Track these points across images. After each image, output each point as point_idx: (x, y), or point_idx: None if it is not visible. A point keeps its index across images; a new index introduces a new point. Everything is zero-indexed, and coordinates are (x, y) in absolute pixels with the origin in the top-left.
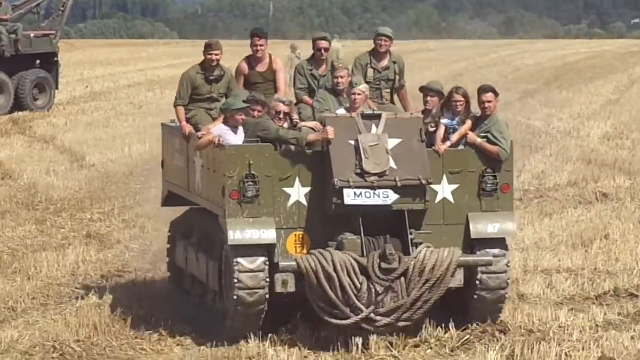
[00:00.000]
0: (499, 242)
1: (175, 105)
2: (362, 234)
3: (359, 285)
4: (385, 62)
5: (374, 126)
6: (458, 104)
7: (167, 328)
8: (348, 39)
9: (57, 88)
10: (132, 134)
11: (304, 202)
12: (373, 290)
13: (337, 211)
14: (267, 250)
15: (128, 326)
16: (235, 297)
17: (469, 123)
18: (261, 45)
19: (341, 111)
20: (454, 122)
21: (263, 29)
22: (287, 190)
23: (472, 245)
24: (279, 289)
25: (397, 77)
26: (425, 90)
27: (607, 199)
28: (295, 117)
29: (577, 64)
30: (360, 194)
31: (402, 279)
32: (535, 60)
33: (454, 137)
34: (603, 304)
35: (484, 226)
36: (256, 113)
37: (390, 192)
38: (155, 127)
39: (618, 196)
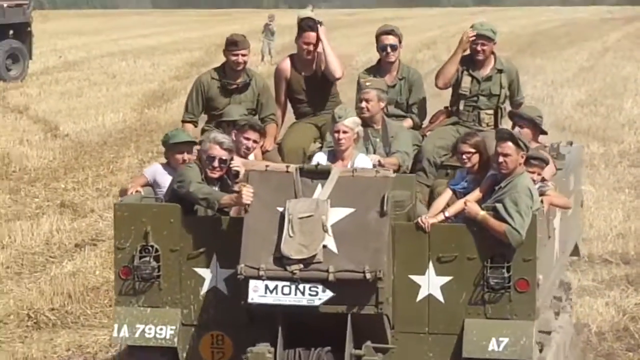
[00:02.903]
0: None
1: (182, 121)
2: (280, 345)
3: None
4: (487, 70)
5: (318, 187)
6: (465, 157)
7: None
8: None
9: (30, 58)
10: (106, 103)
11: (223, 289)
12: None
13: (248, 309)
14: (167, 355)
15: (102, 294)
16: None
17: (476, 192)
18: (310, 43)
19: (320, 156)
20: (464, 184)
21: (314, 19)
22: (200, 271)
23: None
24: None
25: (504, 93)
26: (514, 118)
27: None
28: (236, 165)
29: (550, 31)
30: (275, 288)
31: None
32: (509, 27)
33: (450, 209)
34: (577, 270)
35: (485, 341)
36: (250, 144)
37: (320, 287)
38: (129, 96)
39: (592, 162)
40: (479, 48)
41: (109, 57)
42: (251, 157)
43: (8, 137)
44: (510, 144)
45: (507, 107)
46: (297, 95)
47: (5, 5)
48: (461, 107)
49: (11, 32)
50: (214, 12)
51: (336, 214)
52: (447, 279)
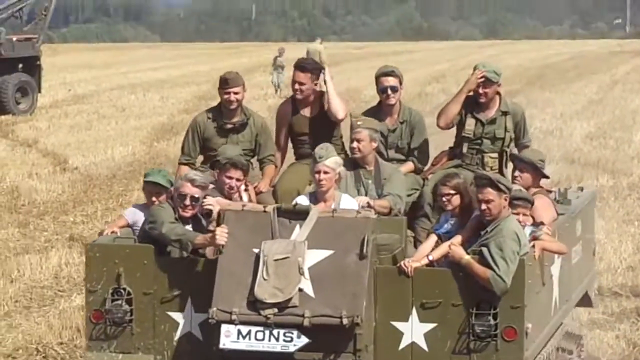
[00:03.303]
0: None
1: (179, 163)
2: None
3: None
4: (491, 112)
5: (297, 228)
6: (445, 199)
7: None
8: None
9: (39, 91)
10: (115, 136)
11: (198, 334)
12: None
13: (222, 355)
14: None
15: None
16: None
17: (461, 235)
18: (301, 84)
19: (301, 199)
20: (448, 227)
21: (308, 60)
22: (174, 315)
23: None
24: None
25: (509, 136)
26: (514, 161)
27: None
28: (208, 203)
29: (559, 64)
30: (248, 333)
31: None
32: (517, 60)
33: (435, 253)
34: None
35: None
36: (233, 182)
37: (295, 333)
38: (138, 129)
39: (601, 195)
40: (481, 91)
41: (118, 90)
42: (245, 197)
43: (17, 171)
44: (490, 189)
45: (513, 149)
46: (298, 136)
47: (14, 39)
48: (464, 149)
49: (20, 65)
50: (223, 45)
51: (314, 256)
52: (431, 325)
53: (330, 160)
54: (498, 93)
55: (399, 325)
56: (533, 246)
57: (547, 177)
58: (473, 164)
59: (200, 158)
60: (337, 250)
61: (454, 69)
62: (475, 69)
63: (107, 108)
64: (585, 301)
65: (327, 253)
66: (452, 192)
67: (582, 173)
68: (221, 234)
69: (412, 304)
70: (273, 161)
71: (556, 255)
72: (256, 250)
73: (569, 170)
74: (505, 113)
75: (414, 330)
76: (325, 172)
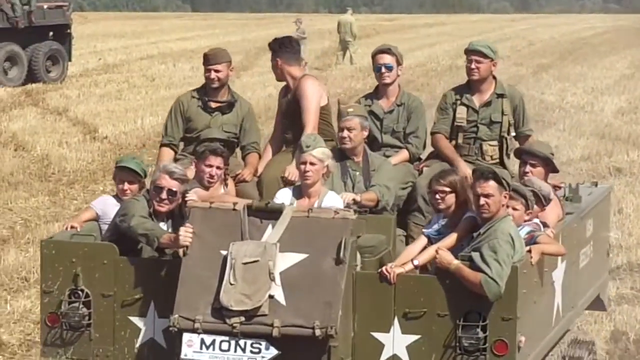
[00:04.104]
0: None
1: (161, 145)
2: None
3: None
4: (486, 96)
5: (269, 228)
6: (439, 197)
7: None
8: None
9: (69, 60)
10: (145, 106)
11: (161, 342)
12: None
13: None
14: None
15: None
16: None
17: (451, 237)
18: (272, 60)
19: (284, 193)
20: (437, 228)
21: (274, 40)
22: (135, 320)
23: None
24: None
25: (507, 120)
26: (523, 155)
27: (621, 173)
28: (192, 197)
29: (591, 39)
30: (212, 343)
31: None
32: (550, 34)
33: (420, 257)
34: (616, 278)
35: None
36: (213, 171)
37: (263, 344)
38: (167, 99)
39: (631, 171)
40: (472, 65)
41: (149, 59)
42: (231, 189)
43: (47, 139)
44: (492, 183)
45: (513, 141)
46: (285, 120)
47: (45, 7)
48: (460, 140)
49: (51, 33)
50: (254, 15)
51: (286, 260)
52: (414, 337)
53: (318, 151)
54: (494, 76)
55: (379, 336)
56: (529, 251)
57: (557, 171)
58: (471, 155)
59: (181, 145)
60: (311, 253)
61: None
62: (466, 52)
63: (137, 78)
64: (597, 305)
65: (300, 257)
66: (447, 189)
67: (612, 148)
68: (185, 234)
69: (394, 314)
70: (257, 149)
71: (560, 259)
72: (224, 252)
73: (599, 145)
74: (501, 95)
75: (395, 342)
76: (312, 164)
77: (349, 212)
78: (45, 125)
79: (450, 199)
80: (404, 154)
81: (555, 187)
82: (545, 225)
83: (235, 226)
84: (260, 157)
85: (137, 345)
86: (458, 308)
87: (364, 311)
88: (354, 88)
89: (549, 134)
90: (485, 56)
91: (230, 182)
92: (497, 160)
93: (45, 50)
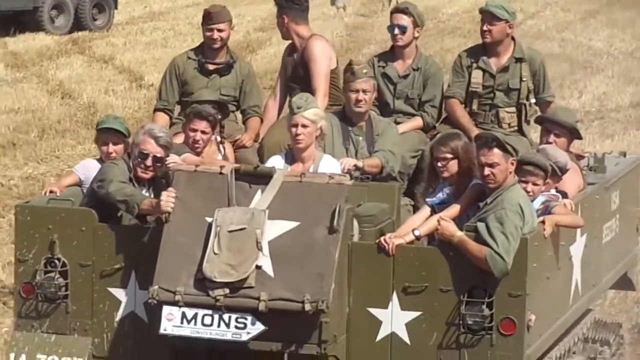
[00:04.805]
0: None
1: (154, 110)
2: None
3: None
4: (503, 60)
5: (258, 193)
6: (441, 164)
7: None
8: None
9: (116, 8)
10: None
11: (143, 315)
12: None
13: (165, 342)
14: None
15: None
16: None
17: (455, 207)
18: (278, 17)
19: (276, 159)
20: (442, 197)
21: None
22: (115, 292)
23: None
24: None
25: (526, 86)
26: (545, 123)
27: None
28: (172, 161)
29: None
30: (194, 317)
31: None
32: None
33: (422, 228)
34: None
35: None
36: (198, 135)
37: (249, 318)
38: None
39: None
40: (485, 27)
41: (194, 7)
42: (230, 155)
43: (94, 87)
44: (497, 150)
45: (533, 107)
46: (291, 83)
47: None
48: (475, 106)
49: None
50: None
51: (276, 228)
52: (414, 314)
53: (310, 112)
54: (513, 38)
55: (376, 312)
56: (543, 222)
57: (581, 138)
58: (487, 122)
59: (178, 109)
60: (303, 221)
61: None
62: (480, 12)
63: (183, 25)
64: (624, 284)
65: (291, 225)
66: (449, 156)
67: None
68: (167, 199)
69: (392, 288)
70: (259, 113)
71: (579, 232)
72: (209, 219)
73: None
74: (519, 60)
75: (394, 319)
76: (304, 126)
77: (344, 177)
78: (92, 73)
79: (453, 166)
80: (416, 121)
81: (578, 157)
82: (564, 195)
83: (221, 191)
84: (262, 121)
85: (117, 318)
86: (462, 283)
87: (360, 285)
88: None
89: (597, 80)
90: (498, 18)
91: (228, 147)
92: (515, 128)
93: None
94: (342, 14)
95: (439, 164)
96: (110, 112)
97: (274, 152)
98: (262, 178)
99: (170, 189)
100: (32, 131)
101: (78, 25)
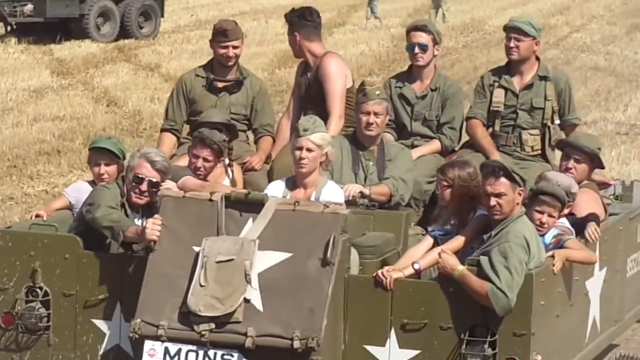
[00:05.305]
0: None
1: (161, 130)
2: None
3: None
4: (526, 78)
5: (249, 222)
6: (439, 192)
7: None
8: None
9: (162, 16)
10: None
11: (128, 349)
12: None
13: None
14: None
15: None
16: None
17: (458, 239)
18: (290, 35)
19: (276, 185)
20: (445, 228)
21: (293, 11)
22: (99, 324)
23: None
24: None
25: (550, 106)
26: (566, 148)
27: None
28: (167, 186)
29: None
30: (177, 353)
31: None
32: None
33: (422, 261)
34: None
35: None
36: (200, 163)
37: (235, 355)
38: (259, 56)
39: None
40: (512, 44)
41: (241, 16)
42: (238, 178)
43: (139, 95)
44: (504, 180)
45: (558, 130)
46: (305, 104)
47: None
48: (497, 127)
49: None
50: None
51: (266, 260)
52: (413, 353)
53: (317, 136)
54: (537, 57)
55: (373, 350)
56: (552, 256)
57: (603, 167)
58: (509, 145)
59: (187, 128)
60: (296, 253)
61: (579, 1)
62: (505, 29)
63: None
64: None
65: (283, 256)
66: (445, 183)
67: None
68: (153, 227)
69: (390, 325)
70: (271, 132)
71: (597, 266)
72: (197, 249)
73: None
74: (544, 78)
75: (392, 358)
76: (309, 150)
77: (340, 206)
78: (137, 81)
79: (447, 194)
80: (434, 145)
81: (603, 185)
82: (587, 220)
83: (211, 219)
84: (274, 141)
85: (101, 352)
86: (463, 320)
87: (357, 321)
88: (446, 47)
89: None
90: (525, 34)
91: (237, 170)
92: (539, 152)
93: (137, 6)
94: (377, 25)
95: (437, 191)
96: (157, 120)
97: (284, 175)
98: (254, 206)
99: (156, 216)
100: (77, 139)
101: (124, 32)
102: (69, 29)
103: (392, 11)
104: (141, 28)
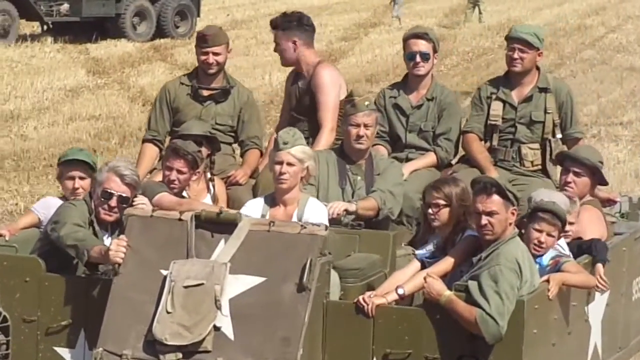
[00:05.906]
0: None
1: (143, 141)
2: None
3: None
4: (525, 90)
5: (221, 243)
6: (432, 211)
7: None
8: None
9: (198, 15)
10: (273, 62)
11: None
12: None
13: None
14: None
15: None
16: None
17: (446, 261)
18: (277, 43)
19: (255, 202)
20: (432, 249)
21: (288, 16)
22: (62, 352)
23: None
24: None
25: (551, 119)
26: (566, 161)
27: None
28: (140, 202)
29: None
30: None
31: None
32: None
33: (407, 285)
34: None
35: None
36: (173, 175)
37: None
38: None
39: None
40: (515, 55)
41: (277, 15)
42: (220, 194)
43: None
44: (496, 197)
45: (560, 144)
46: (294, 114)
47: None
48: (495, 142)
49: None
50: None
51: (238, 284)
52: None
53: (297, 149)
54: (537, 68)
55: None
56: (547, 280)
57: (606, 183)
58: (508, 160)
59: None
60: (270, 277)
61: (615, 1)
62: (507, 39)
63: (265, 33)
64: None
65: (256, 280)
66: (442, 202)
67: None
68: (117, 249)
69: (372, 355)
70: (258, 145)
71: (597, 290)
72: (165, 272)
73: None
74: (544, 90)
75: None
76: (289, 164)
77: (319, 226)
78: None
79: (445, 214)
80: (430, 158)
81: (608, 202)
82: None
83: (180, 240)
84: (262, 154)
85: None
86: (450, 350)
87: (336, 350)
88: (482, 47)
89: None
90: (530, 46)
91: (219, 185)
92: (539, 167)
93: (174, 5)
94: (397, 25)
95: (430, 211)
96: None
97: (270, 190)
98: (227, 226)
99: (121, 236)
100: (112, 138)
101: (160, 32)
102: (105, 28)
103: (429, 11)
104: (177, 27)
